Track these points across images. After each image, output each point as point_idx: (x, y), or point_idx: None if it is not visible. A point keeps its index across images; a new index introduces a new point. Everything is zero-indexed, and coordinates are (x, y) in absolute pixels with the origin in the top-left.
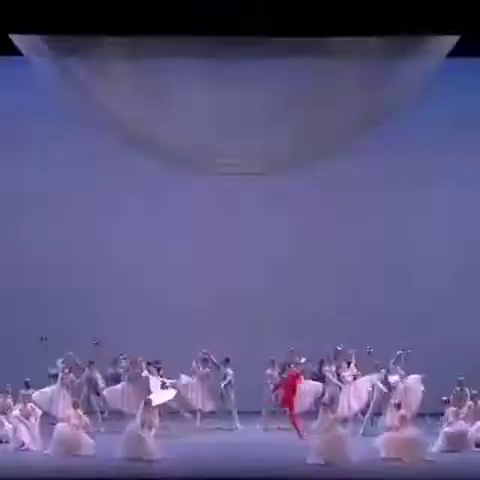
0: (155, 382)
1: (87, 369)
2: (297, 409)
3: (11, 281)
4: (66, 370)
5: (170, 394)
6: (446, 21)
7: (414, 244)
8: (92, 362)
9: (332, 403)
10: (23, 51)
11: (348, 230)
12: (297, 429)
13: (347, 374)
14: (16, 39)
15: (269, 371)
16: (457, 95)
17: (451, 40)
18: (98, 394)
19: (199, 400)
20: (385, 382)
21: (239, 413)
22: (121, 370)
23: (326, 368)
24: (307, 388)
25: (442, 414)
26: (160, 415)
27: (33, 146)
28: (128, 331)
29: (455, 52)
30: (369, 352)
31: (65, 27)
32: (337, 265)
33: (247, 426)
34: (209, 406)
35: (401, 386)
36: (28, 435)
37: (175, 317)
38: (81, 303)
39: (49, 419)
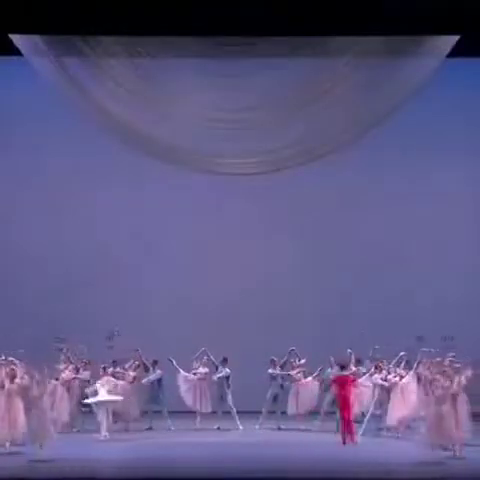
0: (103, 382)
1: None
2: (350, 415)
3: (11, 278)
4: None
5: (112, 397)
6: (446, 21)
7: (416, 244)
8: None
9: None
10: (23, 51)
11: (349, 230)
12: (343, 434)
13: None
14: (16, 39)
15: (270, 370)
16: (457, 94)
17: (451, 40)
18: None
19: (198, 401)
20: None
21: (239, 413)
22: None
23: (328, 370)
24: (308, 388)
25: None
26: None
27: (33, 146)
28: (128, 331)
29: (455, 52)
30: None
31: (65, 27)
32: (338, 265)
33: (247, 426)
34: (208, 407)
35: (398, 386)
36: None
37: (175, 317)
38: (80, 303)
39: None
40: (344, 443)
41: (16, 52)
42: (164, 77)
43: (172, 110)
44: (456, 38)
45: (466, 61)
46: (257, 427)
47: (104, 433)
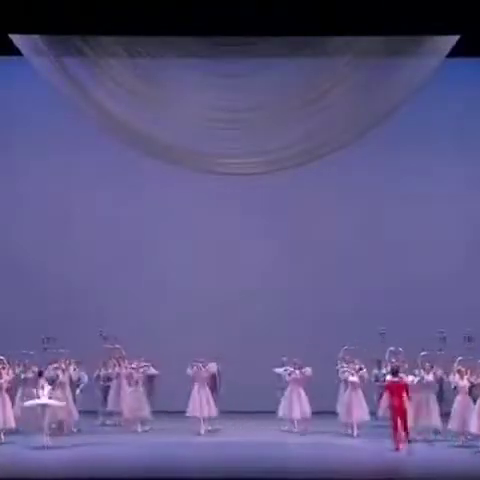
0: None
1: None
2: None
3: (9, 280)
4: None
5: (52, 401)
6: (446, 21)
7: (417, 244)
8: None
9: None
10: (23, 51)
11: (348, 230)
12: (395, 440)
13: (352, 378)
14: (16, 39)
15: (277, 370)
16: (458, 94)
17: (451, 40)
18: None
19: (201, 407)
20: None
21: (240, 413)
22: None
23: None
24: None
25: None
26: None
27: (33, 145)
28: (127, 331)
29: (455, 52)
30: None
31: (65, 27)
32: (338, 265)
33: (247, 426)
34: (213, 412)
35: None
36: None
37: (174, 316)
38: (81, 302)
39: None
40: (398, 449)
41: (16, 52)
42: (164, 77)
43: (172, 110)
44: (456, 38)
45: (466, 61)
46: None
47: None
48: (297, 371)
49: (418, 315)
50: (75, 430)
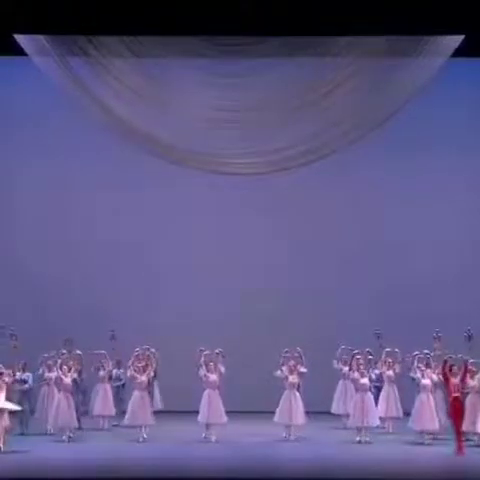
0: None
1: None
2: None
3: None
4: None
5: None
6: (450, 21)
7: (416, 245)
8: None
9: None
10: (27, 51)
11: (349, 230)
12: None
13: (362, 380)
14: (20, 39)
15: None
16: (461, 94)
17: (455, 40)
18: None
19: (210, 412)
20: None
21: (242, 413)
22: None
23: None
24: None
25: None
26: None
27: (33, 146)
28: (127, 330)
29: (460, 52)
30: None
31: (68, 27)
32: (338, 265)
33: (247, 426)
34: (223, 418)
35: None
36: None
37: (174, 317)
38: (80, 304)
39: None
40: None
41: (19, 52)
42: (166, 77)
43: (174, 110)
44: (460, 38)
45: (470, 61)
46: None
47: None
48: (294, 375)
49: (418, 315)
50: (71, 435)
